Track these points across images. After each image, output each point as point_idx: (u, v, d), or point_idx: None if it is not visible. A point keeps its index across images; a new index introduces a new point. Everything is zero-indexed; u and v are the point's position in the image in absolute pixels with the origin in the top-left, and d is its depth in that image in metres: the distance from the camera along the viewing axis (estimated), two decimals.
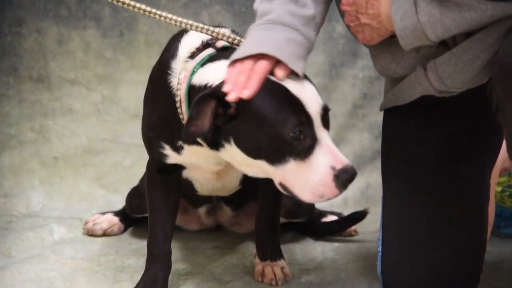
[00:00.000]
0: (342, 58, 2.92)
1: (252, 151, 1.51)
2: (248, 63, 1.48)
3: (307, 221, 2.30)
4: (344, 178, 1.44)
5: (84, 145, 2.82)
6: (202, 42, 1.68)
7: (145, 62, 2.80)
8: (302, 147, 1.45)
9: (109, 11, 2.88)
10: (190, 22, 1.67)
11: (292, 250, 2.16)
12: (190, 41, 1.70)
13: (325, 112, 1.49)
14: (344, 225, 2.32)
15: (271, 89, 1.47)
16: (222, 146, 1.54)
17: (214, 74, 1.56)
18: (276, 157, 1.48)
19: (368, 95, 2.91)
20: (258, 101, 1.46)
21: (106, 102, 2.86)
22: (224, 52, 1.63)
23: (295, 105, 1.46)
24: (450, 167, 1.70)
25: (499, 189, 2.25)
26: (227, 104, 1.47)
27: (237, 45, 1.66)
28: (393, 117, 1.81)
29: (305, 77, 1.55)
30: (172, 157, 1.72)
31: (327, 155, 1.45)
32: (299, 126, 1.45)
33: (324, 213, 2.41)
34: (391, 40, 1.62)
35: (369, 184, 2.79)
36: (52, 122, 2.83)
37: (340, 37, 2.91)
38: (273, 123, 1.46)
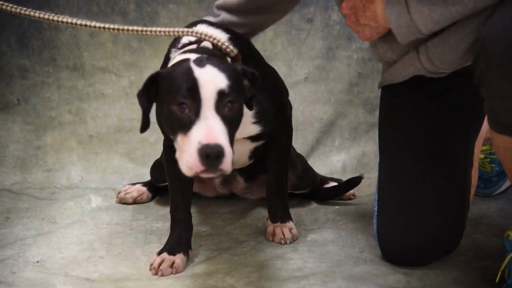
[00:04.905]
0: (337, 42, 2.89)
1: (163, 126, 1.52)
2: None
3: (311, 189, 2.28)
4: (203, 151, 1.33)
5: (115, 124, 2.82)
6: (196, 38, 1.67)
7: (166, 50, 2.78)
8: (186, 121, 1.40)
9: (134, 6, 2.85)
10: (182, 29, 1.63)
11: (299, 213, 2.15)
12: (189, 36, 1.69)
13: (220, 97, 1.41)
14: (343, 190, 2.31)
15: (178, 70, 1.46)
16: None
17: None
18: (172, 132, 1.45)
19: (362, 74, 2.89)
20: (165, 79, 1.47)
21: (133, 86, 2.85)
22: (198, 48, 1.62)
23: (190, 84, 1.41)
24: (437, 136, 1.69)
25: (482, 156, 2.24)
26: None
27: (220, 46, 1.63)
28: (389, 93, 1.81)
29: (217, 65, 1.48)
30: None
31: (201, 131, 1.37)
32: (185, 99, 1.40)
33: (325, 180, 2.40)
34: (386, 33, 1.61)
35: (365, 153, 2.78)
36: (87, 105, 2.83)
37: (335, 24, 2.88)
38: (167, 95, 1.44)
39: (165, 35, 1.62)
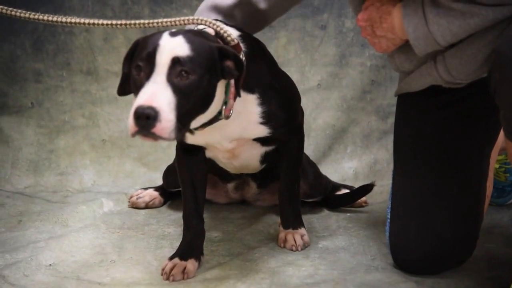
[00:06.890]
0: (351, 49, 2.89)
1: None
2: None
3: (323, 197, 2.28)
4: (135, 111, 1.34)
5: (127, 129, 2.81)
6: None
7: None
8: (138, 83, 1.42)
9: (148, 11, 2.87)
10: (187, 18, 1.60)
11: (311, 220, 2.16)
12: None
13: (173, 65, 1.41)
14: (354, 197, 2.31)
15: (151, 36, 1.48)
16: None
17: None
18: (133, 94, 1.46)
19: (375, 81, 2.89)
20: (140, 44, 1.50)
21: None
22: (199, 31, 1.60)
23: (151, 49, 1.42)
24: (452, 145, 1.69)
25: (497, 165, 2.23)
26: None
27: (222, 34, 1.59)
28: (405, 101, 1.81)
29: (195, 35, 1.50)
30: (189, 137, 1.72)
31: (143, 94, 1.37)
32: (141, 61, 1.42)
33: (337, 187, 2.40)
34: (403, 43, 1.62)
35: (377, 160, 2.78)
36: (100, 109, 2.84)
37: (349, 31, 2.88)
38: (135, 59, 1.47)
39: (171, 25, 1.60)
